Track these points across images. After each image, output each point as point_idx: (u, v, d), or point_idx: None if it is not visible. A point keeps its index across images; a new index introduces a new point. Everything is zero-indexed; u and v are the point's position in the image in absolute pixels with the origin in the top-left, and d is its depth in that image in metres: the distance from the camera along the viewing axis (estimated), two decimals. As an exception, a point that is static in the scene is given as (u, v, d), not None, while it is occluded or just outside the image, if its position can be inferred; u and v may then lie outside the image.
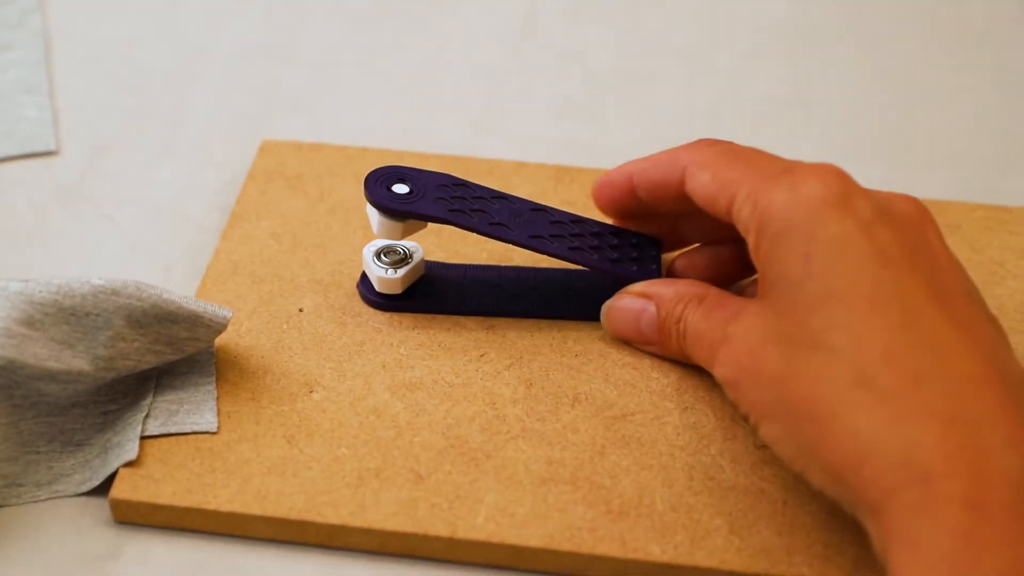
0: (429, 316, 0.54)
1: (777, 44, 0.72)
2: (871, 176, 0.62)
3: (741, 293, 0.52)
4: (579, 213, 0.55)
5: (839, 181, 0.45)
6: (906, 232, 0.45)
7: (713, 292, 0.49)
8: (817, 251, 0.44)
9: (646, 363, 0.52)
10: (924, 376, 0.41)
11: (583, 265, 0.52)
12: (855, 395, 0.42)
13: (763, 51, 0.71)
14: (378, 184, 0.52)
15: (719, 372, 0.47)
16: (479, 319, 0.54)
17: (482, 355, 0.52)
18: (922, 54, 0.71)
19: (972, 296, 0.45)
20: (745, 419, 0.47)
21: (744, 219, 0.46)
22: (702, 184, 0.48)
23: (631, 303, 0.52)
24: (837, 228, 0.44)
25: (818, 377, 0.43)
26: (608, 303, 0.52)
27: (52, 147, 0.63)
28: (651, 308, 0.51)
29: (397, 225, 0.52)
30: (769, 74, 0.70)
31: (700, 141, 0.51)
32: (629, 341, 0.52)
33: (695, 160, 0.49)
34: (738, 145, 0.50)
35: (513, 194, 0.54)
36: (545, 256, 0.53)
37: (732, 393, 0.46)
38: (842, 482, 0.42)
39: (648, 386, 0.51)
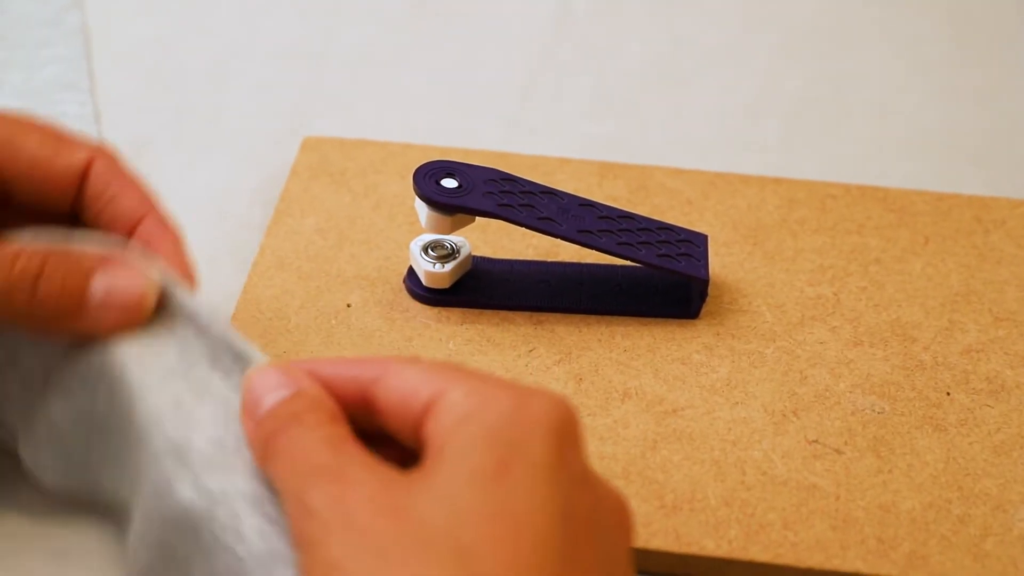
0: (477, 311, 0.54)
1: (812, 42, 0.72)
2: (908, 173, 0.63)
3: None
4: (625, 209, 0.56)
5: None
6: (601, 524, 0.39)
7: None
8: None
9: (695, 358, 0.52)
10: None
11: (631, 260, 0.52)
12: None
13: (798, 49, 0.71)
14: (427, 178, 0.52)
15: None
16: (527, 314, 0.54)
17: (531, 350, 0.52)
18: (958, 50, 0.71)
19: None
20: None
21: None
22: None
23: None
24: None
25: None
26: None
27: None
28: None
29: (446, 219, 0.52)
30: (805, 72, 0.70)
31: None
32: None
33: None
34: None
35: (560, 190, 0.54)
36: (592, 251, 0.53)
37: None
38: None
39: (698, 381, 0.51)
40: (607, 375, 0.51)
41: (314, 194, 0.59)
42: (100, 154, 0.48)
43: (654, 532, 0.46)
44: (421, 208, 0.52)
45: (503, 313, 0.54)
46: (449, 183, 0.52)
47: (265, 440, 0.39)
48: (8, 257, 0.44)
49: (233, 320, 0.53)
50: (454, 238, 0.54)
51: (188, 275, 0.46)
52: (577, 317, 0.54)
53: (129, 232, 0.47)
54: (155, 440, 0.40)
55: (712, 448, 0.49)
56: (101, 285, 0.44)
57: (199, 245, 0.58)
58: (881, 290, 0.55)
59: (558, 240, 0.53)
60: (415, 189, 0.52)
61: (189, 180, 0.62)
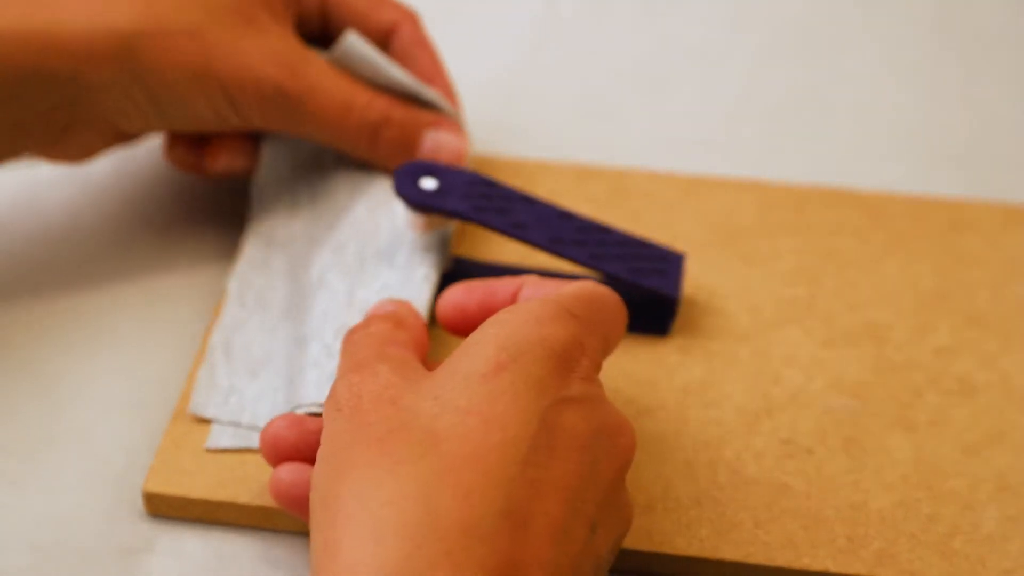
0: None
1: (795, 43, 0.72)
2: (890, 175, 0.64)
3: None
4: (603, 213, 0.56)
5: None
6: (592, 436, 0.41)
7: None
8: None
9: (670, 360, 0.53)
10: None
11: (602, 273, 0.53)
12: None
13: (781, 50, 0.72)
14: (407, 178, 0.53)
15: None
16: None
17: (508, 352, 0.53)
18: (939, 51, 0.72)
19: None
20: None
21: None
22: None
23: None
24: None
25: None
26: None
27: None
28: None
29: (422, 219, 0.53)
30: (788, 73, 0.70)
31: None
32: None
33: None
34: (553, 284, 0.48)
35: (540, 198, 0.54)
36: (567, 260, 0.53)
37: None
38: None
39: (671, 383, 0.52)
40: (582, 376, 0.52)
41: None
42: (407, 18, 0.58)
43: (626, 531, 0.47)
44: (399, 206, 0.53)
45: (481, 315, 0.54)
46: (428, 184, 0.53)
47: (346, 336, 0.46)
48: (360, 104, 0.55)
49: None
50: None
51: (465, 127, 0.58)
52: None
53: None
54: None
55: (685, 448, 0.50)
56: (431, 140, 0.56)
57: (181, 237, 0.59)
58: (855, 291, 0.56)
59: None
60: (394, 187, 0.52)
61: (174, 175, 0.63)
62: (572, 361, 0.42)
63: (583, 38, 0.72)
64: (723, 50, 0.72)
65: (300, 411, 0.47)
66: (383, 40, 0.58)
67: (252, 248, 0.56)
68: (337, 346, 0.50)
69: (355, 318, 0.51)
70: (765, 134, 0.66)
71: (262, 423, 0.49)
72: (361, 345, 0.45)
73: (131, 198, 0.61)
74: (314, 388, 0.49)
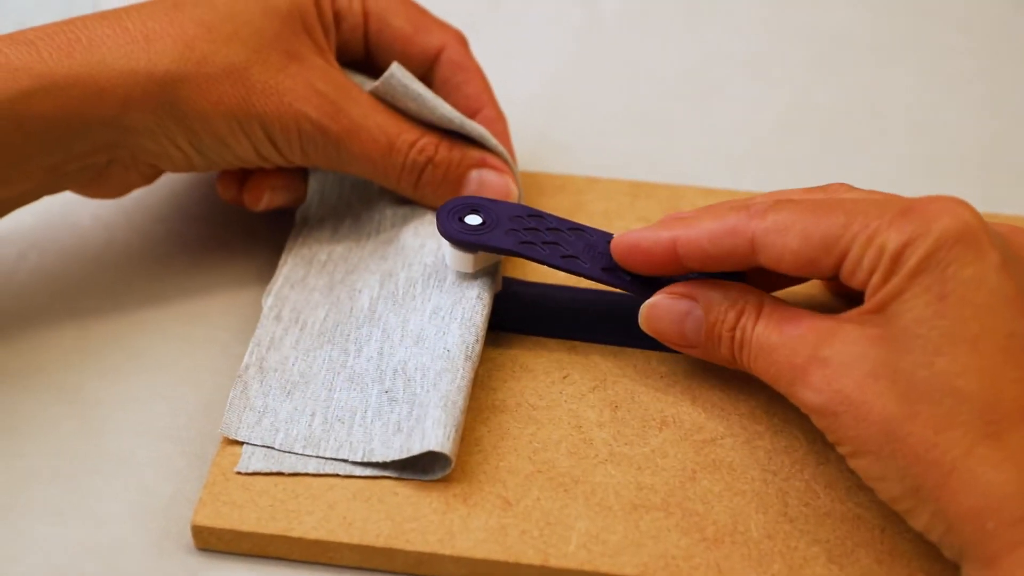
0: (508, 337, 0.53)
1: (844, 54, 0.70)
2: (944, 190, 0.62)
3: None
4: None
5: (969, 216, 0.43)
6: None
7: (769, 300, 0.48)
8: (952, 291, 0.42)
9: (733, 384, 0.51)
10: None
11: None
12: (983, 447, 0.41)
13: (830, 61, 0.70)
14: (451, 216, 0.51)
15: (809, 397, 0.45)
16: (560, 340, 0.52)
17: (565, 376, 0.51)
18: (989, 62, 0.70)
19: None
20: (835, 446, 0.45)
21: (864, 271, 0.44)
22: (791, 251, 0.45)
23: (675, 304, 0.49)
24: (973, 269, 0.42)
25: (942, 422, 0.41)
26: (648, 302, 0.50)
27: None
28: (697, 311, 0.49)
29: (468, 257, 0.51)
30: (838, 84, 0.68)
31: (751, 201, 0.48)
32: (667, 342, 0.50)
33: (766, 227, 0.46)
34: (800, 192, 0.49)
35: (590, 226, 0.52)
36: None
37: (825, 422, 0.45)
38: (957, 531, 0.41)
39: (736, 408, 0.50)
40: (643, 403, 0.50)
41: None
42: (453, 40, 0.56)
43: (696, 566, 0.45)
44: (445, 245, 0.52)
45: (535, 338, 0.53)
46: (473, 220, 0.51)
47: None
48: (403, 144, 0.53)
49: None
50: None
51: (513, 162, 0.56)
52: (612, 342, 0.53)
53: (470, 116, 0.56)
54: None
55: (753, 478, 0.48)
56: (476, 180, 0.55)
57: (218, 260, 0.57)
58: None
59: None
60: (438, 227, 0.51)
61: (210, 196, 0.61)
62: None
63: (626, 50, 0.71)
64: (770, 61, 0.70)
65: (367, 469, 0.47)
66: (429, 63, 0.56)
67: (290, 267, 0.54)
68: (397, 389, 0.49)
69: (410, 351, 0.50)
70: (818, 149, 0.65)
71: (297, 446, 0.48)
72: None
73: (166, 217, 0.60)
74: (379, 442, 0.48)
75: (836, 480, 0.48)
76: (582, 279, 0.54)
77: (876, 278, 0.44)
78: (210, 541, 0.46)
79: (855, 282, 0.44)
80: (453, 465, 0.47)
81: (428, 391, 0.48)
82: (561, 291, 0.54)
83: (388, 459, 0.47)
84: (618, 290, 0.51)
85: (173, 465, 0.49)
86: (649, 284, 0.50)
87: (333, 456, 0.48)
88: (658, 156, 0.64)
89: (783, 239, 0.45)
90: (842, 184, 0.49)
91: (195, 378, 0.53)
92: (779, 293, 0.50)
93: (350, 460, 0.48)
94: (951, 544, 0.42)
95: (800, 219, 0.45)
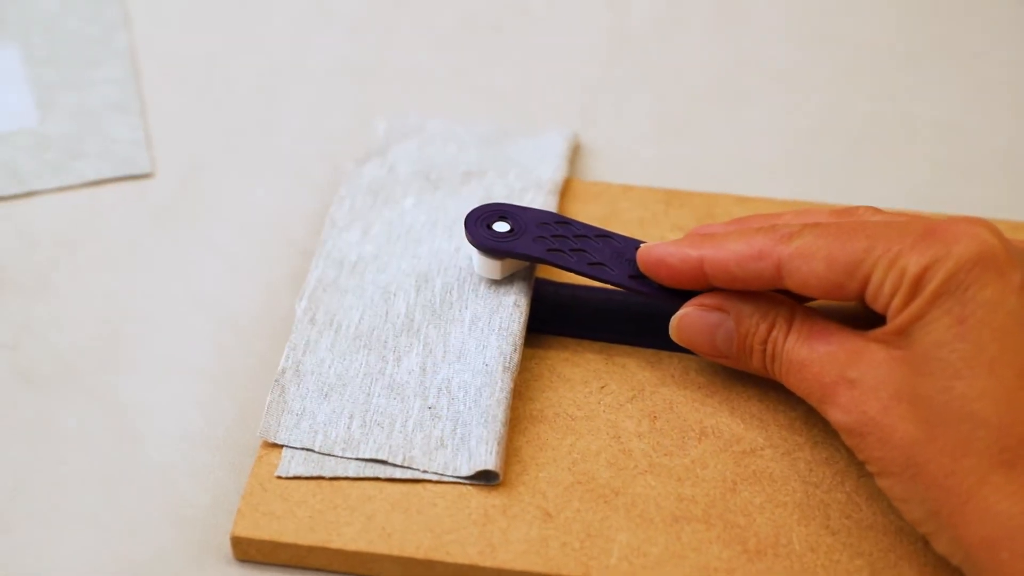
0: (544, 346, 0.52)
1: (874, 61, 0.70)
2: (983, 199, 0.62)
3: None
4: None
5: (990, 237, 0.43)
6: None
7: (800, 312, 0.47)
8: (971, 313, 0.42)
9: (772, 395, 0.51)
10: None
11: None
12: (998, 475, 0.40)
13: (861, 68, 0.70)
14: (479, 223, 0.51)
15: (838, 417, 0.45)
16: (596, 347, 0.52)
17: (603, 387, 0.51)
18: (1019, 69, 0.70)
19: None
20: (864, 464, 0.45)
21: (886, 295, 0.44)
22: (817, 276, 0.45)
23: (705, 316, 0.49)
24: (992, 291, 0.42)
25: (959, 448, 0.41)
26: (679, 313, 0.50)
27: (148, 169, 0.62)
28: (728, 323, 0.48)
29: (496, 264, 0.51)
30: (868, 91, 0.68)
31: (779, 222, 0.48)
32: (699, 352, 0.50)
33: (791, 253, 0.46)
34: (826, 212, 0.49)
35: (619, 233, 0.52)
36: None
37: (853, 441, 0.45)
38: (973, 559, 0.41)
39: (776, 419, 0.50)
40: (682, 413, 0.50)
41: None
42: None
43: (738, 579, 0.45)
44: (472, 251, 0.52)
45: (572, 347, 0.52)
46: (501, 227, 0.51)
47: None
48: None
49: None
50: None
51: None
52: (648, 351, 0.52)
53: None
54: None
55: (794, 490, 0.48)
56: None
57: (258, 267, 0.57)
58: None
59: None
60: (466, 234, 0.51)
61: (244, 202, 0.61)
62: None
63: (656, 55, 0.70)
64: (802, 69, 0.69)
65: (407, 472, 0.47)
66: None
67: (321, 269, 0.54)
68: (442, 407, 0.49)
69: (453, 368, 0.50)
70: (850, 155, 0.64)
71: (336, 449, 0.48)
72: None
73: (198, 221, 0.60)
74: (420, 451, 0.48)
75: (877, 493, 0.47)
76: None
77: (897, 301, 0.43)
78: (249, 552, 0.46)
79: (878, 306, 0.44)
80: (501, 479, 0.47)
81: (470, 408, 0.48)
82: (593, 292, 0.54)
83: (430, 470, 0.47)
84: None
85: (212, 474, 0.49)
86: (677, 293, 0.50)
87: (372, 456, 0.47)
88: (691, 164, 0.63)
89: (809, 265, 0.45)
90: (869, 207, 0.49)
91: (230, 386, 0.52)
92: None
93: (390, 462, 0.47)
94: (969, 571, 0.42)
95: (825, 244, 0.45)
